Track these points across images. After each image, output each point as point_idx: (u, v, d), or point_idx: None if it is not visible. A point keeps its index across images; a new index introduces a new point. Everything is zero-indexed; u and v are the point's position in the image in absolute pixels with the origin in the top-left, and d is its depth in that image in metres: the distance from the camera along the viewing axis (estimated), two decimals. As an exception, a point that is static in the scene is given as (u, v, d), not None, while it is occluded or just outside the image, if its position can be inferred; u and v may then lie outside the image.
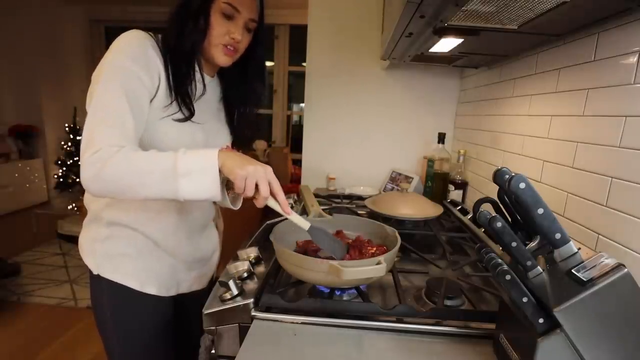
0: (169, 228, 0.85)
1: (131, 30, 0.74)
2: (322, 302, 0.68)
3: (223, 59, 0.81)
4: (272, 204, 0.69)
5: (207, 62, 0.85)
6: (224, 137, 0.93)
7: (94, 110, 0.68)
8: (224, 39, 0.79)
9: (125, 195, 0.67)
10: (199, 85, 0.82)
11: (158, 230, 0.84)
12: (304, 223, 0.72)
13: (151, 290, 0.84)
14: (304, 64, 1.96)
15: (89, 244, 0.84)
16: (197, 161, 0.65)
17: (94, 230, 0.83)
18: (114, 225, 0.81)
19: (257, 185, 0.65)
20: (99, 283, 0.82)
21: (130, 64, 0.70)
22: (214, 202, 0.96)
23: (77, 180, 3.40)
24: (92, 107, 0.68)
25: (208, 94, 0.87)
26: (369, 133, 1.74)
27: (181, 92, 0.77)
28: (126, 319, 0.84)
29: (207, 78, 0.87)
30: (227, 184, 0.70)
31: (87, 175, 0.65)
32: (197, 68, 0.82)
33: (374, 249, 0.78)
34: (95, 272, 0.82)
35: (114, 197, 0.75)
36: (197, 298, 0.90)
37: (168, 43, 0.77)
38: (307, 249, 0.80)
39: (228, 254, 1.02)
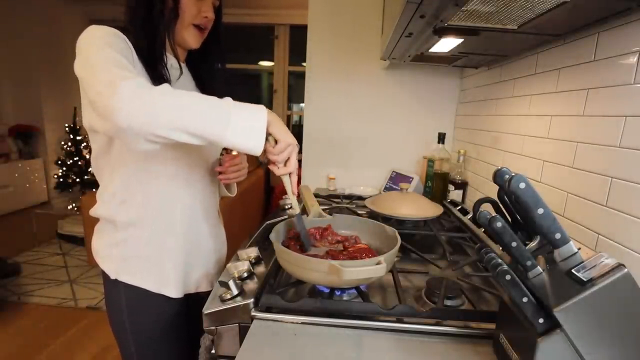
0: (180, 225, 0.85)
1: (94, 25, 0.71)
2: (322, 302, 0.68)
3: (194, 40, 0.82)
4: (286, 179, 0.75)
5: (177, 46, 0.84)
6: None
7: (103, 64, 0.61)
8: (197, 19, 0.79)
9: (159, 127, 0.58)
10: (174, 72, 0.81)
11: (169, 228, 0.83)
12: (297, 208, 0.79)
13: (167, 290, 0.84)
14: (304, 64, 1.96)
15: (105, 249, 0.83)
16: (249, 108, 0.64)
17: (108, 235, 0.83)
18: (128, 228, 0.81)
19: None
20: (116, 287, 0.82)
21: (112, 39, 0.68)
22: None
23: (77, 180, 3.40)
24: (98, 64, 0.61)
25: (186, 79, 0.87)
26: (369, 133, 1.74)
27: (158, 77, 0.76)
28: (143, 320, 0.84)
29: (181, 64, 0.86)
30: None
31: (125, 93, 0.56)
32: (169, 55, 0.81)
33: (365, 248, 0.79)
34: (113, 277, 0.81)
35: (145, 128, 0.58)
36: (206, 298, 0.91)
37: (136, 30, 0.74)
38: (290, 244, 0.80)
39: (228, 253, 1.03)
